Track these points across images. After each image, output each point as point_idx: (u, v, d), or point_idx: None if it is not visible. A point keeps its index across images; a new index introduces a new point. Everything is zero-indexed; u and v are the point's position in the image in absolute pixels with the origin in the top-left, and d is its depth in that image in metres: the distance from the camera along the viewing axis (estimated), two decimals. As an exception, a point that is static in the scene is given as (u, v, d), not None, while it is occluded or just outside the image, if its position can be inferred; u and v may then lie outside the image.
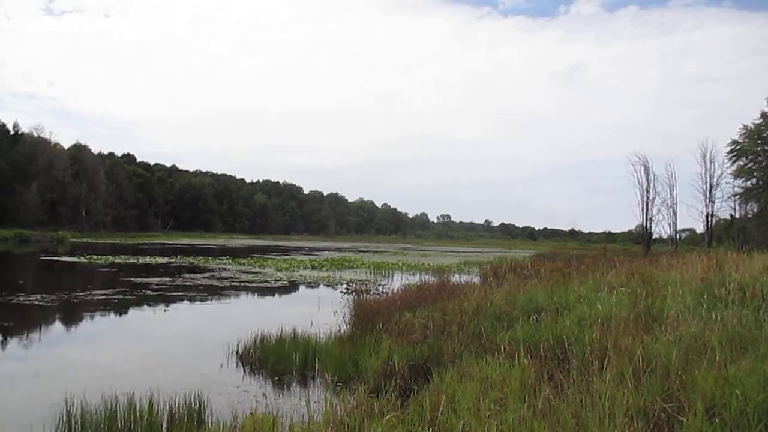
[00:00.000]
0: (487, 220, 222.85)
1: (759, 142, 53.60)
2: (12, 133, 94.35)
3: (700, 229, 66.90)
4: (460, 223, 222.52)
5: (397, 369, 9.20)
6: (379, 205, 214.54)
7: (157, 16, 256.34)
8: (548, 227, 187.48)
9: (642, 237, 65.52)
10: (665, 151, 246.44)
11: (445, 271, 23.21)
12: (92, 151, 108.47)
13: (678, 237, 65.96)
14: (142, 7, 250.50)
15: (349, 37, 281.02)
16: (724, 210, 59.50)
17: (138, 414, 7.39)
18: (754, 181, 54.92)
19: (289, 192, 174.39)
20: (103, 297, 21.09)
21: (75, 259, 40.79)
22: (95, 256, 42.39)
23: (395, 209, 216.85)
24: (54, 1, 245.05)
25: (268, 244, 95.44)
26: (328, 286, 28.41)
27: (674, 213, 60.89)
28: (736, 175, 56.09)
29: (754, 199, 55.15)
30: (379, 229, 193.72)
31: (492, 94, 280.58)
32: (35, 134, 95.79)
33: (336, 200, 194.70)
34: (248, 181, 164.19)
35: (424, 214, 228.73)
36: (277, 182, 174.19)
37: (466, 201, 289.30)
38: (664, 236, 64.13)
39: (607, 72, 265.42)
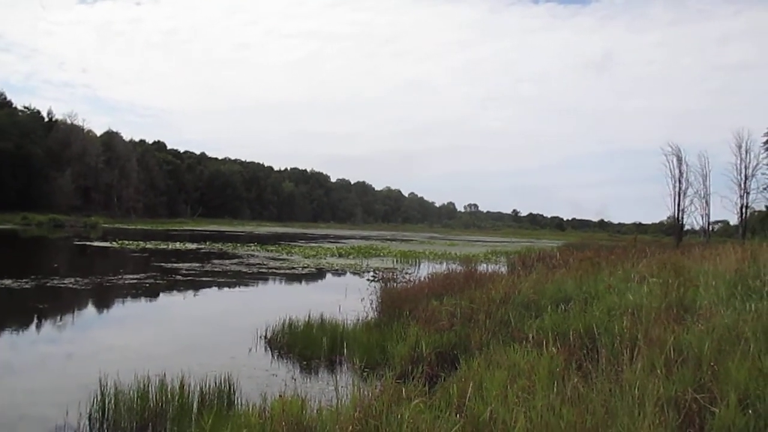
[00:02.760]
0: (514, 210, 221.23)
1: (797, 132, 52.21)
2: (46, 120, 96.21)
3: (733, 221, 65.36)
4: (488, 212, 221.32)
5: (424, 356, 9.21)
6: (406, 194, 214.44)
7: (187, 4, 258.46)
8: (576, 218, 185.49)
9: (673, 228, 64.39)
10: (699, 141, 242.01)
11: (472, 260, 23.09)
12: (124, 138, 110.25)
13: (711, 229, 64.65)
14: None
15: (378, 26, 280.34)
16: (760, 201, 58.06)
17: (170, 394, 7.54)
18: (790, 172, 53.57)
19: (317, 180, 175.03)
20: (135, 281, 21.48)
21: (107, 244, 41.56)
22: (127, 242, 43.14)
23: (422, 198, 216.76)
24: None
25: (295, 231, 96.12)
26: (354, 273, 28.53)
27: (707, 204, 59.60)
28: (773, 165, 54.73)
29: (790, 191, 53.82)
30: (406, 218, 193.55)
31: (521, 82, 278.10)
32: (69, 121, 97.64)
33: (363, 189, 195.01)
34: (276, 168, 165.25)
35: (451, 204, 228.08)
36: (305, 170, 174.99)
37: (493, 191, 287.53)
38: (697, 228, 62.97)
39: (641, 60, 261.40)
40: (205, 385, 7.93)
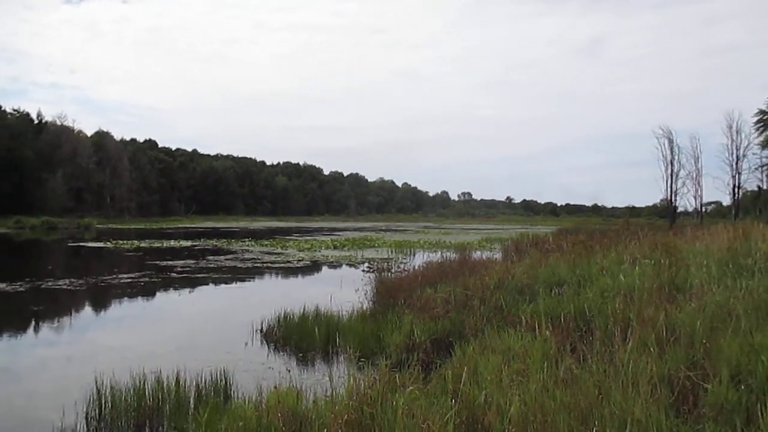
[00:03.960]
0: (508, 197, 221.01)
1: (787, 111, 52.40)
2: (36, 122, 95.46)
3: (726, 201, 65.76)
4: (482, 200, 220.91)
5: (419, 343, 9.25)
6: (400, 185, 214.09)
7: (174, 1, 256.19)
8: (570, 203, 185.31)
9: (666, 210, 64.67)
10: (691, 123, 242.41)
11: (467, 248, 23.11)
12: (114, 137, 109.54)
13: (703, 210, 64.96)
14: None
15: (365, 16, 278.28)
16: (751, 181, 58.35)
17: (166, 391, 7.56)
18: (781, 151, 53.79)
19: (310, 173, 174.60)
20: (130, 280, 21.44)
21: (101, 245, 41.44)
22: (121, 241, 43.03)
23: (416, 188, 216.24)
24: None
25: (289, 225, 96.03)
26: (349, 265, 28.55)
27: (699, 186, 59.93)
28: (764, 145, 54.93)
29: (781, 170, 54.06)
30: (400, 209, 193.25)
31: (511, 68, 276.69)
32: (59, 123, 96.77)
33: (356, 180, 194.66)
34: (269, 163, 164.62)
35: (444, 193, 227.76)
36: (298, 164, 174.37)
37: (486, 178, 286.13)
38: (690, 209, 63.32)
39: (630, 43, 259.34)
40: (202, 381, 7.96)
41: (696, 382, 5.23)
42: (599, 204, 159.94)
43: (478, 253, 25.62)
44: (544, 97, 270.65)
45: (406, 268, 18.15)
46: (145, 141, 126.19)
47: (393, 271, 17.69)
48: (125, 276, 22.67)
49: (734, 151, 57.23)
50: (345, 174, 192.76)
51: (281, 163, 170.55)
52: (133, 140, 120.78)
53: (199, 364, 8.86)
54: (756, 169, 56.88)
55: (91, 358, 10.91)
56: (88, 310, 17.40)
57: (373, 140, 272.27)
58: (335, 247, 39.84)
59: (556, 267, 12.07)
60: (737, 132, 57.17)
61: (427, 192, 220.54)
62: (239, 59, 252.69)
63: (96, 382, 7.59)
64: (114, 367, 8.43)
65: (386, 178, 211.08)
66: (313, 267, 28.43)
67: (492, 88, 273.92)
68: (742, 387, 4.96)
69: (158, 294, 19.71)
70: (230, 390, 8.09)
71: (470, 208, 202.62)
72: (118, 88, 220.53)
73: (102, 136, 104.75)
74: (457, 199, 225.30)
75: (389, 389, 5.64)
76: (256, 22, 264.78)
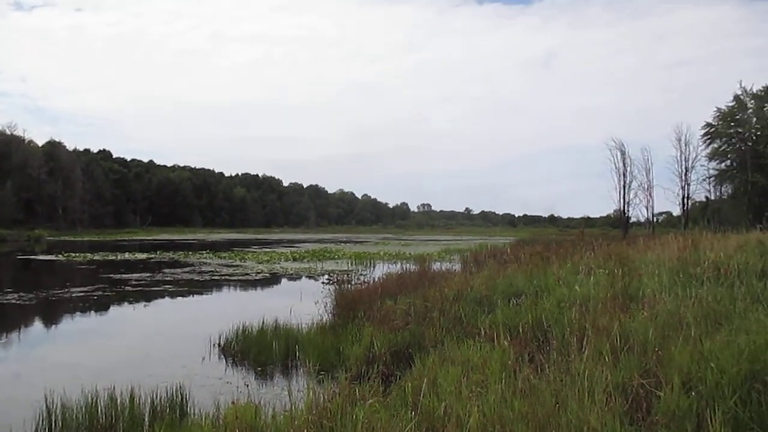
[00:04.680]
0: (467, 209, 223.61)
1: (732, 124, 54.38)
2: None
3: (676, 211, 67.73)
4: (441, 212, 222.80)
5: (379, 355, 9.24)
6: (360, 196, 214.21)
7: (130, 10, 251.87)
8: (528, 214, 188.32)
9: (620, 221, 66.23)
10: (641, 137, 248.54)
11: (426, 259, 23.24)
12: (67, 148, 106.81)
13: (655, 220, 66.80)
14: (114, 0, 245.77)
15: (324, 29, 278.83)
16: (700, 192, 60.40)
17: (120, 408, 7.35)
18: (728, 163, 55.76)
19: (269, 185, 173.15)
20: (82, 294, 20.87)
21: (52, 258, 40.27)
22: (73, 254, 41.88)
23: (375, 200, 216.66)
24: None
25: (248, 237, 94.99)
26: (309, 277, 28.38)
27: (651, 196, 61.70)
28: (711, 157, 56.89)
29: (728, 181, 56.02)
30: (360, 220, 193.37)
31: (468, 82, 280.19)
32: (8, 132, 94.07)
33: (316, 192, 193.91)
34: (227, 174, 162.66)
35: (404, 204, 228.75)
36: (256, 175, 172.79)
37: (446, 190, 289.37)
38: (642, 219, 65.02)
39: (582, 58, 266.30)
40: (157, 397, 7.75)
41: (649, 389, 5.35)
42: (555, 215, 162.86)
43: (438, 264, 25.75)
44: (502, 110, 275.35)
45: (366, 280, 18.13)
46: (99, 151, 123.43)
47: (353, 283, 17.63)
48: (77, 290, 22.06)
49: (683, 163, 59.20)
50: (305, 185, 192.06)
51: (240, 174, 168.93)
52: (87, 150, 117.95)
53: (155, 380, 8.66)
54: (704, 180, 58.90)
55: (40, 375, 10.55)
56: (38, 325, 16.85)
57: (332, 152, 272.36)
58: (295, 259, 39.55)
59: (514, 278, 12.24)
60: (686, 144, 59.17)
61: (387, 203, 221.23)
62: (197, 70, 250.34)
63: (46, 400, 7.34)
64: (65, 384, 8.17)
65: (346, 190, 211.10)
66: (273, 279, 28.16)
67: (451, 101, 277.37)
68: (693, 394, 5.10)
69: (112, 308, 19.22)
70: (186, 406, 7.90)
71: (430, 220, 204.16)
72: (72, 97, 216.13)
73: (54, 146, 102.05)
74: (416, 210, 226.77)
75: (349, 402, 5.61)
76: (214, 33, 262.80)
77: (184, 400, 7.96)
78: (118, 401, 7.42)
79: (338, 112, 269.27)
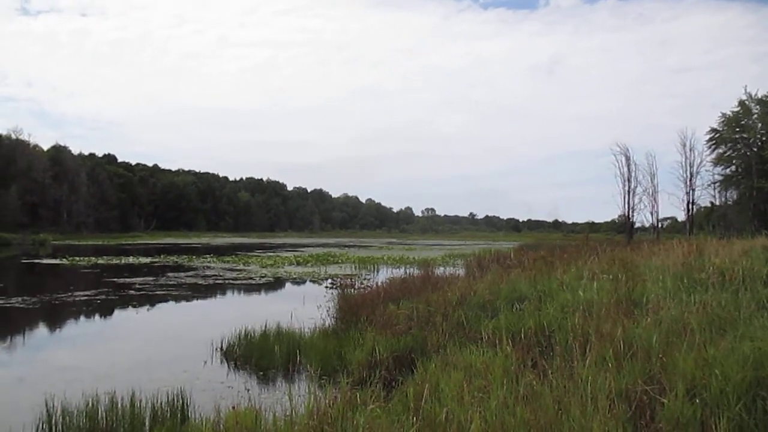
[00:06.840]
0: (471, 213, 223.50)
1: (737, 129, 54.12)
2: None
3: (681, 217, 67.35)
4: (445, 216, 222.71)
5: (381, 360, 9.19)
6: (364, 201, 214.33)
7: (136, 15, 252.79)
8: (532, 219, 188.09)
9: (624, 226, 65.99)
10: (646, 142, 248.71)
11: (430, 264, 23.21)
12: (72, 152, 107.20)
13: (660, 225, 66.43)
14: (120, 5, 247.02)
15: (329, 33, 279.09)
16: (705, 198, 60.02)
17: (120, 412, 7.33)
18: (733, 168, 55.48)
19: (273, 189, 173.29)
20: (86, 298, 20.87)
21: (57, 261, 40.32)
22: (77, 258, 41.94)
23: (380, 204, 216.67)
24: (29, 1, 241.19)
25: (252, 241, 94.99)
26: (313, 281, 28.35)
27: (656, 202, 61.33)
28: (716, 162, 56.60)
29: (733, 186, 55.74)
30: (364, 225, 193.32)
31: (472, 87, 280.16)
32: (13, 136, 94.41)
33: (320, 196, 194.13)
34: (231, 179, 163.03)
35: (408, 209, 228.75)
36: (261, 179, 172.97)
37: (450, 195, 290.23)
38: (646, 225, 64.71)
39: (587, 63, 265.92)
40: (158, 401, 7.72)
41: (653, 396, 5.30)
42: (559, 220, 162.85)
43: (441, 269, 25.71)
44: (506, 115, 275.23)
45: (369, 285, 18.09)
46: (104, 156, 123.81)
47: (356, 287, 17.61)
48: (81, 293, 22.07)
49: (688, 168, 58.85)
50: (309, 190, 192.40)
51: (244, 178, 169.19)
52: (92, 155, 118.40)
53: (156, 384, 8.64)
54: (709, 185, 58.58)
55: (42, 378, 10.55)
56: (41, 329, 16.85)
57: (337, 156, 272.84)
58: (298, 264, 39.53)
59: (517, 283, 12.17)
60: (691, 149, 58.83)
61: (390, 208, 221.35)
62: (202, 74, 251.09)
63: (46, 404, 7.33)
64: (66, 388, 8.17)
65: (350, 194, 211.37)
66: (276, 284, 28.14)
67: (455, 106, 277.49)
68: (697, 401, 5.05)
69: (115, 312, 19.22)
70: (187, 410, 7.87)
71: (434, 224, 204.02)
72: (77, 101, 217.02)
73: (59, 151, 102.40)
74: (420, 215, 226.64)
75: (350, 408, 5.58)
76: (219, 38, 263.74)
77: (185, 404, 7.93)
78: (119, 405, 7.41)
79: (342, 117, 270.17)
